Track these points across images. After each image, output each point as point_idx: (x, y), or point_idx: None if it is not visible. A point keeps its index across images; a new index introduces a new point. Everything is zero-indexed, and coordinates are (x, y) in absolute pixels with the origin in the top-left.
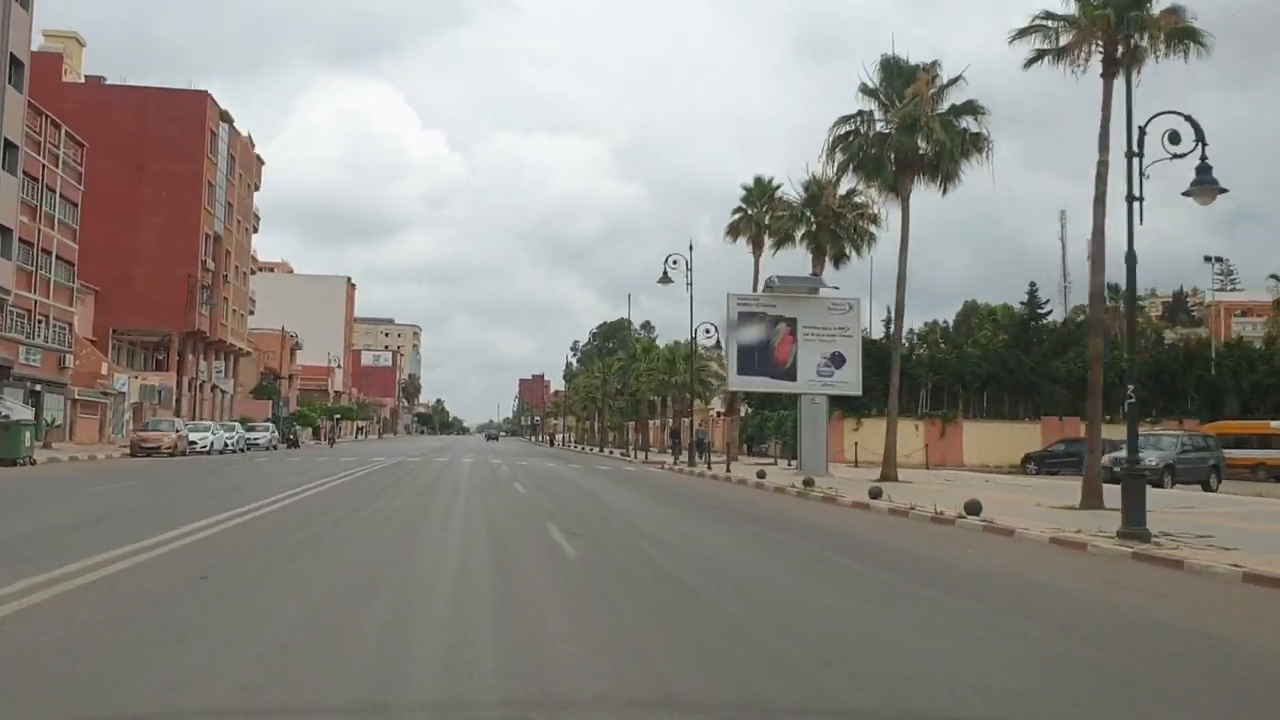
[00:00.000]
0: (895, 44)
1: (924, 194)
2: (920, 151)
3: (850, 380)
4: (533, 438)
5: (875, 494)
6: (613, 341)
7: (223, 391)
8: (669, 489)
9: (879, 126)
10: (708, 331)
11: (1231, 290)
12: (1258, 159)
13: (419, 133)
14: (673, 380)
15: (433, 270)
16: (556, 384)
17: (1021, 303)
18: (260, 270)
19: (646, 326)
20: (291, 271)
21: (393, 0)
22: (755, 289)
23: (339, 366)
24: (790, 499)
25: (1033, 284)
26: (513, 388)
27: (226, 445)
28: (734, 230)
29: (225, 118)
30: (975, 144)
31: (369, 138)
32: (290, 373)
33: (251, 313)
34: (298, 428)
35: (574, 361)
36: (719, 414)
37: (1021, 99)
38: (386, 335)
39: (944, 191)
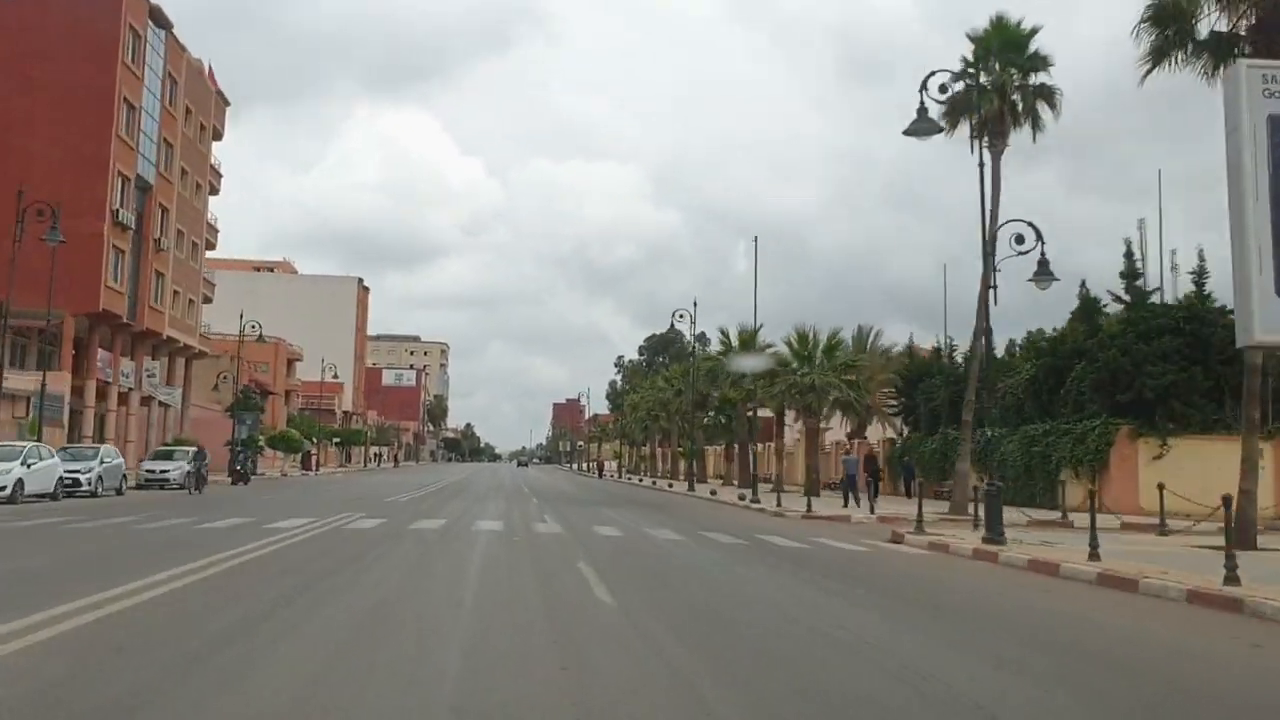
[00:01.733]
0: (934, 62)
1: None
2: None
3: None
4: (572, 466)
5: None
6: (664, 356)
7: (163, 405)
8: None
9: None
10: (1016, 241)
11: None
12: None
13: (457, 160)
14: (808, 380)
15: (469, 297)
16: (594, 408)
17: None
18: (259, 270)
19: (702, 339)
20: (295, 272)
21: (431, 29)
22: (989, 215)
23: (334, 376)
24: None
25: None
26: (546, 414)
27: (79, 482)
28: (954, 110)
29: (159, 19)
30: None
31: (407, 165)
32: (288, 389)
33: (208, 300)
34: (256, 452)
35: (619, 380)
36: (849, 436)
37: (1064, 122)
38: (411, 354)
39: None
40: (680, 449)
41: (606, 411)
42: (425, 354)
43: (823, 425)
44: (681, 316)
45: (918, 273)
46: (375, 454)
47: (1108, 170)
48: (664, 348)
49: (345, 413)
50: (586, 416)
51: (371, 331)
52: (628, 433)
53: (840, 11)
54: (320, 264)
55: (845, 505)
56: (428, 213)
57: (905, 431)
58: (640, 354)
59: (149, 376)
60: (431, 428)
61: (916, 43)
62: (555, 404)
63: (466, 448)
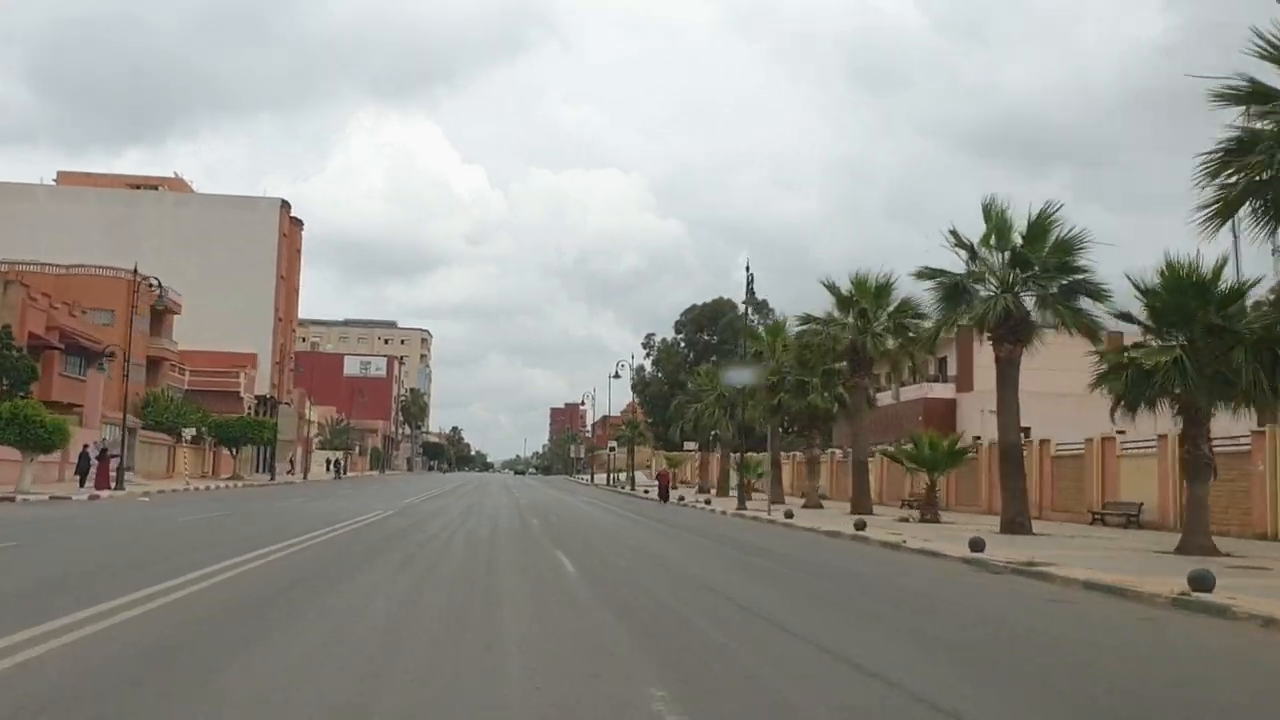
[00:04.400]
0: (947, 79)
1: None
2: None
3: None
4: (585, 478)
5: None
6: (708, 332)
7: None
8: None
9: None
10: None
11: None
12: None
13: (459, 168)
14: None
15: (470, 308)
16: (600, 411)
17: None
18: (138, 188)
19: (762, 308)
20: (190, 191)
21: (432, 38)
22: None
23: (175, 303)
24: None
25: None
26: (543, 425)
27: None
28: None
29: None
30: None
31: (409, 174)
32: (158, 354)
33: None
34: None
35: (647, 365)
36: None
37: (1072, 130)
38: (386, 343)
39: None
40: (882, 451)
41: (618, 412)
42: (403, 343)
43: None
44: None
45: (920, 284)
46: (333, 461)
47: (1111, 178)
48: (710, 320)
49: (260, 397)
50: (591, 420)
51: (340, 317)
52: (703, 423)
53: (845, 21)
54: (320, 273)
55: None
56: (430, 223)
57: None
58: (677, 330)
59: None
60: (409, 430)
61: (923, 51)
62: (553, 409)
63: (453, 454)
